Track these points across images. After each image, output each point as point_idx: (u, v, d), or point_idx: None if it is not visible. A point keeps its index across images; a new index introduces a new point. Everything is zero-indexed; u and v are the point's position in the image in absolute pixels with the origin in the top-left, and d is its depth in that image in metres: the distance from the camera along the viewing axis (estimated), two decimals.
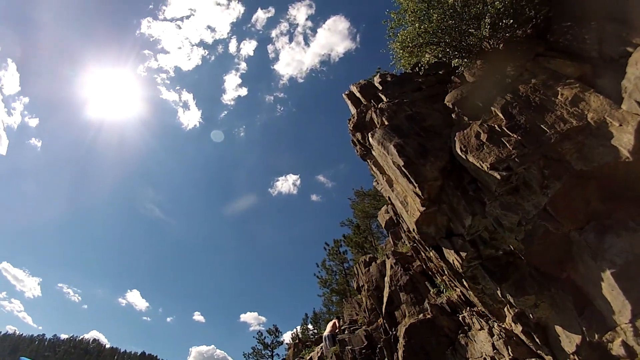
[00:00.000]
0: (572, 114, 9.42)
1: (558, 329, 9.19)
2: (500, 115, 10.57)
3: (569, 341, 8.85)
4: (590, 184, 8.87)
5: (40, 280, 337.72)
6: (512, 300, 9.68)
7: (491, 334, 10.92)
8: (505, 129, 10.14)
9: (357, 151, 16.06)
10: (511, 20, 12.16)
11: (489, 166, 9.53)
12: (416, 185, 11.00)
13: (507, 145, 9.72)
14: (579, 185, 8.90)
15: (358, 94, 16.95)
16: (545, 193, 9.01)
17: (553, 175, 9.01)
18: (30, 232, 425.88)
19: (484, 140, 10.20)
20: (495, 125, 10.42)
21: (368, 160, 15.37)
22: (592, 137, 8.95)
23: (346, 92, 17.86)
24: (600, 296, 8.19)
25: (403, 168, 11.27)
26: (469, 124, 11.13)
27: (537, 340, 9.69)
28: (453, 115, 12.05)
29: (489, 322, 11.26)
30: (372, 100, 15.50)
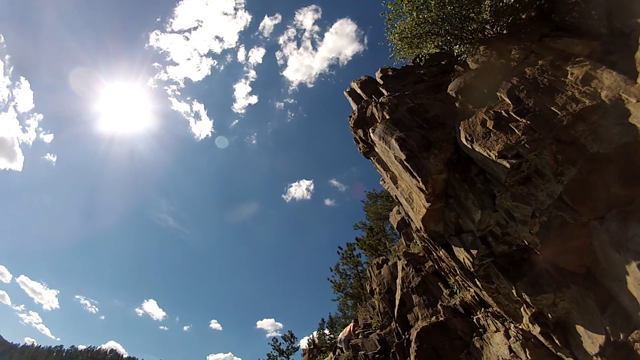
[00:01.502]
0: (584, 94, 8.73)
1: (579, 328, 8.43)
2: (507, 100, 9.87)
3: (592, 342, 8.09)
4: (608, 167, 8.11)
5: (58, 293, 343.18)
6: (528, 300, 8.93)
7: (507, 336, 10.17)
8: (513, 114, 9.44)
9: (360, 149, 15.42)
10: (512, 0, 11.47)
11: (496, 154, 8.81)
12: (419, 179, 10.34)
13: (516, 130, 9.02)
14: (597, 169, 8.15)
15: (359, 90, 16.37)
16: (560, 180, 8.28)
17: (567, 160, 8.27)
18: (47, 246, 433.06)
19: (491, 128, 9.49)
20: (502, 111, 9.72)
21: (371, 158, 14.73)
22: (608, 116, 8.25)
23: (347, 90, 17.31)
24: (625, 291, 7.47)
25: (405, 162, 10.60)
26: (474, 111, 10.44)
27: (557, 341, 8.93)
28: (457, 104, 11.40)
29: (505, 323, 10.53)
30: (373, 96, 14.89)
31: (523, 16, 12.48)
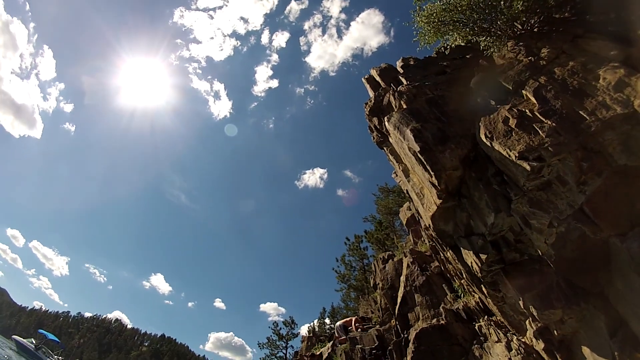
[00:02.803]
0: (615, 100, 8.11)
1: (585, 350, 7.97)
2: (533, 99, 9.31)
3: None
4: (636, 182, 7.56)
5: (69, 260, 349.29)
6: (535, 313, 8.45)
7: (509, 348, 9.71)
8: (538, 114, 8.87)
9: (374, 138, 14.97)
10: None
11: (517, 155, 8.28)
12: (432, 174, 9.90)
13: (540, 132, 8.46)
14: (623, 183, 7.61)
15: (377, 78, 15.84)
16: (583, 190, 7.76)
17: (592, 169, 7.74)
18: (60, 213, 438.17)
19: (513, 126, 8.95)
20: (527, 110, 9.16)
21: (384, 148, 14.32)
22: None
23: (366, 76, 16.75)
24: (639, 317, 6.95)
25: (419, 154, 10.19)
26: (497, 108, 9.89)
27: None
28: (478, 99, 10.83)
29: (508, 334, 10.08)
30: (391, 84, 14.35)
31: (556, 16, 11.82)
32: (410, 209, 20.34)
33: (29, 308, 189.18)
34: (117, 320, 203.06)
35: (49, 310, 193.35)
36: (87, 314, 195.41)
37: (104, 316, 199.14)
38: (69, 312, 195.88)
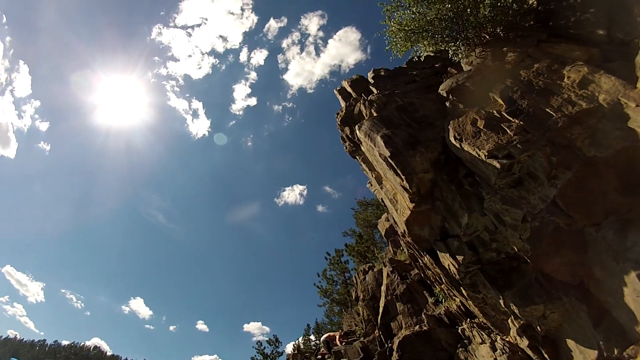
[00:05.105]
0: (581, 97, 8.32)
1: (570, 343, 8.03)
2: (500, 100, 9.45)
3: (583, 357, 7.67)
4: (606, 172, 7.68)
5: (44, 285, 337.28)
6: (516, 311, 8.50)
7: (493, 349, 9.72)
8: (505, 114, 9.00)
9: (346, 148, 14.99)
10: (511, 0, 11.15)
11: (486, 154, 8.33)
12: (404, 177, 9.89)
13: (508, 131, 8.57)
14: (594, 174, 7.72)
15: (349, 89, 15.88)
16: (554, 184, 7.84)
17: (562, 163, 7.83)
18: (35, 236, 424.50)
19: (481, 127, 9.05)
20: (494, 111, 9.28)
21: (357, 157, 14.30)
22: (606, 120, 7.84)
23: (338, 88, 16.81)
24: (621, 304, 7.02)
25: (389, 159, 10.18)
26: (465, 111, 9.99)
27: (546, 355, 8.52)
28: (447, 104, 10.95)
29: (491, 335, 10.11)
30: (362, 94, 14.46)
31: (522, 23, 12.19)
32: (388, 220, 20.38)
33: (3, 337, 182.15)
34: (96, 347, 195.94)
35: (25, 339, 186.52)
36: (65, 342, 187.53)
37: (82, 344, 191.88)
38: (45, 340, 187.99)
